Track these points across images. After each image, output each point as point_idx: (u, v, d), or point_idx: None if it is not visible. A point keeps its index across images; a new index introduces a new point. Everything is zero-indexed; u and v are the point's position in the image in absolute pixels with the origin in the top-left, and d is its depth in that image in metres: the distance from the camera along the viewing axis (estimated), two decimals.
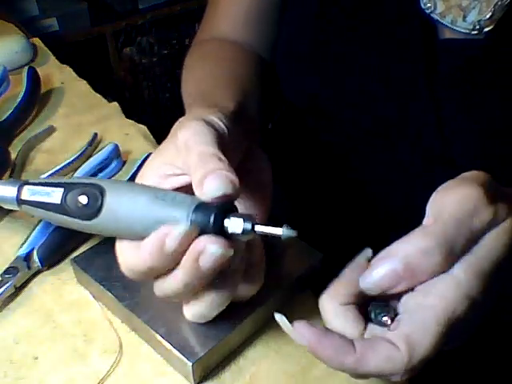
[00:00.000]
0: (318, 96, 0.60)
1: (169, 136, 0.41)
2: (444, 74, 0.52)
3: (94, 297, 0.49)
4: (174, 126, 0.41)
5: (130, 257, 0.38)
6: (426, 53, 0.52)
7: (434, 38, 0.53)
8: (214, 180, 0.35)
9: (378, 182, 0.61)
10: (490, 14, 0.49)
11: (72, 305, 0.49)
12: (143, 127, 0.71)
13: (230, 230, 0.35)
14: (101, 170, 0.61)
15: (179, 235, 0.35)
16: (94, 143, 0.65)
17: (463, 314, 0.33)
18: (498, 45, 0.49)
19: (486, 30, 0.50)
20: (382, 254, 0.34)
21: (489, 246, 0.34)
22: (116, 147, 0.62)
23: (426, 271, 0.33)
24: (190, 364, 0.41)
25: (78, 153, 0.63)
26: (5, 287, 0.48)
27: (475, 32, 0.50)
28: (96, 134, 0.67)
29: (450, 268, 0.34)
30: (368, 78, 0.56)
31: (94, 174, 0.60)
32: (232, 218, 0.35)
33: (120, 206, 0.37)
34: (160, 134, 0.79)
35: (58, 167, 0.61)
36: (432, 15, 0.52)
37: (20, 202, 0.43)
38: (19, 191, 0.43)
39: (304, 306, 0.48)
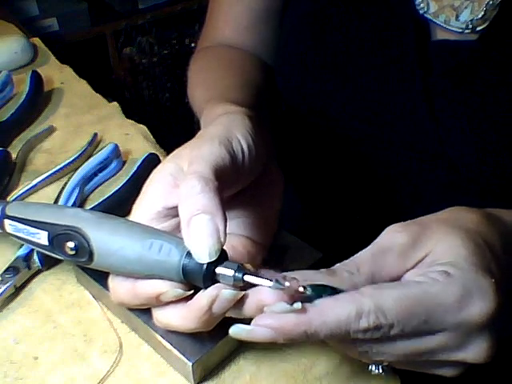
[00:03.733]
0: (317, 97, 0.60)
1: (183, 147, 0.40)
2: (438, 75, 0.52)
3: (93, 297, 0.49)
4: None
5: (124, 296, 0.39)
6: (419, 53, 0.52)
7: (427, 39, 0.53)
8: (201, 243, 0.33)
9: (377, 181, 0.61)
10: (483, 13, 0.50)
11: (72, 305, 0.49)
12: (143, 127, 0.71)
13: (221, 280, 0.34)
14: (101, 169, 0.61)
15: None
16: (93, 143, 0.65)
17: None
18: (491, 43, 0.50)
19: (479, 28, 0.50)
20: None
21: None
22: (116, 147, 0.62)
23: None
24: (190, 364, 0.41)
25: (78, 153, 0.63)
26: (5, 287, 0.48)
27: (468, 31, 0.51)
28: (96, 134, 0.66)
29: None
30: (367, 78, 0.56)
31: (94, 174, 0.60)
32: (224, 268, 0.34)
33: (110, 256, 0.37)
34: (160, 134, 0.79)
35: (58, 167, 0.61)
36: (425, 15, 0.52)
37: (5, 231, 0.43)
38: (1, 222, 0.43)
39: None
